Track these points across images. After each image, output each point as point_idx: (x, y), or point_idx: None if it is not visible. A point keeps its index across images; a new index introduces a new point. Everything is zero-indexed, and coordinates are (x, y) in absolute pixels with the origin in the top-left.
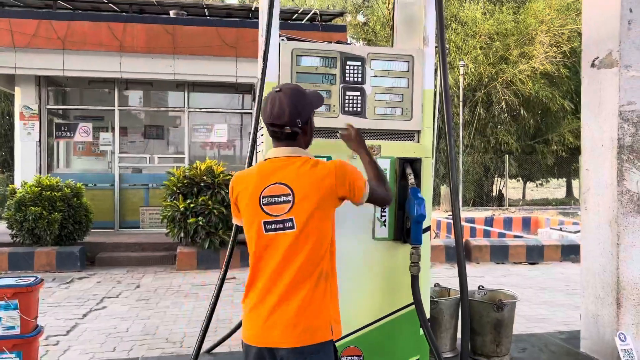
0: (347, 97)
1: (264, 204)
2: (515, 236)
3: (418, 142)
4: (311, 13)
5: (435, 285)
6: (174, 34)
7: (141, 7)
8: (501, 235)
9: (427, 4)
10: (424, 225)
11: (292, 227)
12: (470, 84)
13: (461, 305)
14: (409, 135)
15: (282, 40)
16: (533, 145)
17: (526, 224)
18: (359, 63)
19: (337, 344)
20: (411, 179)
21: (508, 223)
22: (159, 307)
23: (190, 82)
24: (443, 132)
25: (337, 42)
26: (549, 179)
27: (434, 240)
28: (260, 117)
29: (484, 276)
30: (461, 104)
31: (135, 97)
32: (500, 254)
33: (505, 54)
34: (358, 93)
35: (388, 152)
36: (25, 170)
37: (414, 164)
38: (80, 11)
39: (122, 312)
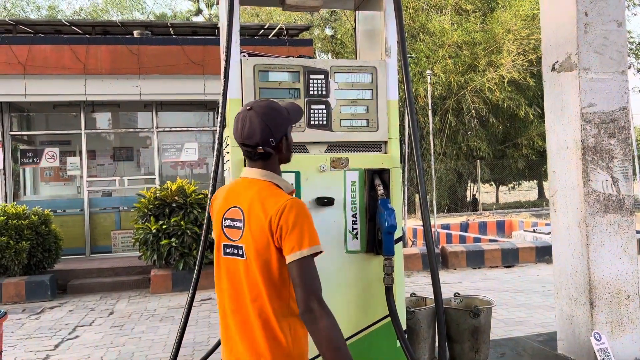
0: (312, 111)
1: (224, 226)
2: (491, 240)
3: (385, 152)
4: (277, 28)
5: (411, 295)
6: (138, 54)
7: (104, 29)
8: (477, 240)
9: (387, 16)
10: (396, 235)
11: (242, 256)
12: (441, 93)
13: (436, 314)
14: (376, 146)
15: (244, 56)
16: (503, 149)
17: (501, 227)
18: (322, 76)
19: None
20: (380, 190)
21: (483, 227)
22: (134, 332)
23: (158, 101)
24: (410, 141)
25: (300, 57)
26: (520, 182)
27: (411, 249)
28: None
29: (461, 282)
30: (430, 112)
31: (102, 119)
32: (476, 259)
33: (473, 63)
34: (323, 106)
35: (356, 164)
36: None
37: (383, 174)
38: (41, 35)
39: (96, 340)
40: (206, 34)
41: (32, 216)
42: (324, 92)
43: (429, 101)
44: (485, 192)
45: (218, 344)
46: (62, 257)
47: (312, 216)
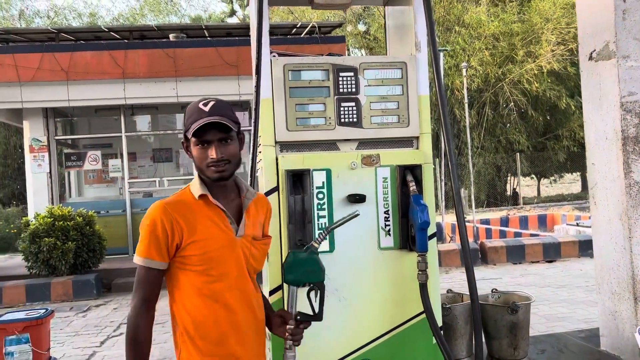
0: (342, 108)
1: None
2: (532, 235)
3: (417, 148)
4: (309, 26)
5: (448, 291)
6: (175, 57)
7: (142, 33)
8: (517, 234)
9: (416, 11)
10: (430, 232)
11: None
12: (478, 86)
13: (472, 310)
14: (407, 142)
15: (274, 56)
16: (544, 142)
17: (542, 221)
18: (351, 73)
19: (349, 358)
20: (412, 186)
21: (524, 222)
22: None
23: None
24: (443, 136)
25: (329, 54)
26: (562, 174)
27: (449, 244)
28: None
29: (501, 278)
30: (466, 105)
31: (141, 121)
32: (516, 254)
33: (511, 54)
34: (353, 103)
35: (387, 161)
36: (38, 201)
37: (415, 170)
38: (82, 42)
39: None
40: (240, 34)
41: (77, 217)
42: (353, 89)
43: (465, 94)
44: (526, 186)
45: None
46: (106, 257)
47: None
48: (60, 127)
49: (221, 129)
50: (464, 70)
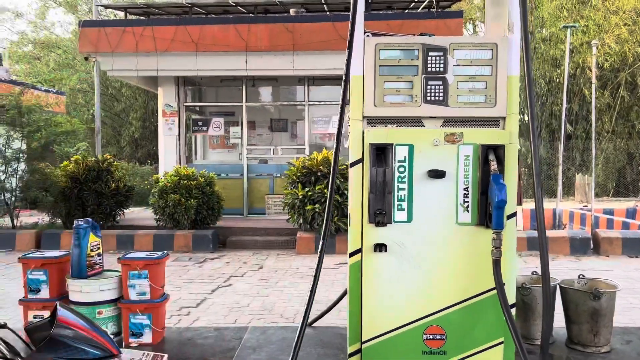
0: (429, 87)
1: None
2: None
3: (503, 128)
4: (426, 1)
5: (532, 273)
6: (293, 31)
7: (265, 8)
8: None
9: None
10: (509, 211)
11: None
12: (612, 65)
13: (543, 292)
14: (493, 121)
15: (367, 36)
16: None
17: None
18: (440, 53)
19: (419, 323)
20: (493, 165)
21: None
22: (277, 286)
23: (310, 76)
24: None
25: (421, 34)
26: None
27: (558, 231)
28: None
29: (612, 270)
30: (593, 86)
31: (261, 92)
32: (634, 247)
33: None
34: (440, 82)
35: (471, 139)
36: (168, 162)
37: (497, 150)
38: (213, 15)
39: (245, 290)
40: None
41: (200, 178)
42: (441, 69)
43: (593, 74)
44: None
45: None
46: (223, 216)
47: (424, 188)
48: (190, 95)
49: None
50: (594, 48)
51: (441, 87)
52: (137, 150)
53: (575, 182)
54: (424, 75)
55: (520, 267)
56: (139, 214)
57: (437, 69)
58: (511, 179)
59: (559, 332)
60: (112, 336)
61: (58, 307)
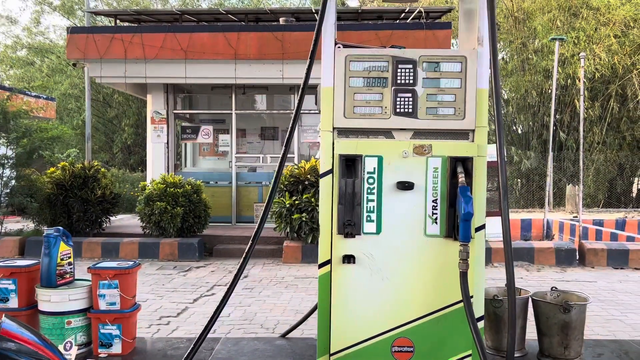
0: (398, 99)
1: None
2: None
3: (472, 141)
4: (416, 11)
5: (506, 285)
6: (282, 40)
7: (256, 16)
8: (630, 238)
9: (480, 5)
10: (477, 224)
11: None
12: (603, 76)
13: (508, 303)
14: (462, 134)
15: (338, 47)
16: None
17: None
18: (410, 66)
19: (388, 335)
20: (461, 178)
21: None
22: (260, 295)
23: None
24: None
25: (392, 47)
26: None
27: (543, 242)
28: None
29: (596, 281)
30: (582, 97)
31: (251, 100)
32: (619, 259)
33: None
34: (410, 95)
35: (440, 152)
36: (156, 169)
37: (466, 162)
38: (204, 23)
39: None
40: (348, 19)
41: (186, 186)
42: (411, 81)
43: (582, 85)
44: None
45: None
46: (211, 224)
47: (393, 199)
48: (179, 102)
49: None
50: (582, 60)
51: (411, 99)
52: (130, 157)
53: (565, 192)
54: (393, 87)
55: (499, 278)
56: (128, 222)
57: (407, 81)
58: (480, 192)
59: (532, 345)
60: (81, 346)
61: (3, 318)
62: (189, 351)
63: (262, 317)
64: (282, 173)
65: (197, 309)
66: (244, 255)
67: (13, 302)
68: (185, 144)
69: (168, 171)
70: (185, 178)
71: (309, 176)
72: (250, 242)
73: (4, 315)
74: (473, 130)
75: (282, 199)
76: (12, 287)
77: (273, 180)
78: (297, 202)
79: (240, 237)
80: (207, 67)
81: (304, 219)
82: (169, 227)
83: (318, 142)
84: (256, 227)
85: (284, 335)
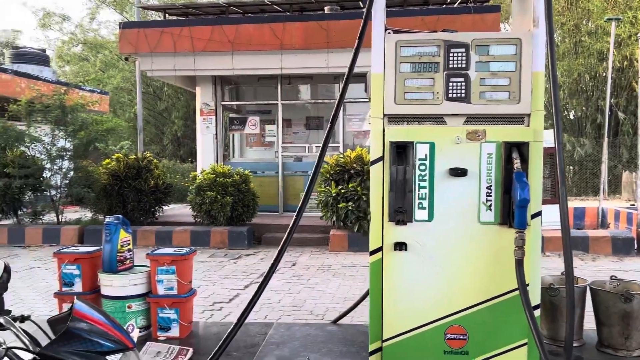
0: (450, 84)
1: None
2: None
3: (527, 125)
4: None
5: (562, 273)
6: (327, 29)
7: (301, 6)
8: None
9: None
10: (534, 210)
11: None
12: None
13: (566, 292)
14: (517, 119)
15: (388, 33)
16: None
17: None
18: (462, 50)
19: (441, 322)
20: (517, 163)
21: None
22: (309, 283)
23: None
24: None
25: (443, 31)
26: None
27: (599, 231)
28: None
29: None
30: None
31: (297, 90)
32: None
33: None
34: (462, 79)
35: (494, 137)
36: (205, 160)
37: (521, 147)
38: (250, 14)
39: (277, 286)
40: (394, 4)
41: (235, 176)
42: (463, 65)
43: (639, 67)
44: None
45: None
46: (259, 213)
47: (445, 186)
48: (227, 93)
49: None
50: None
51: (463, 83)
52: (179, 149)
53: (622, 179)
54: (445, 72)
55: (552, 267)
56: (179, 211)
57: (459, 66)
58: (536, 178)
59: (590, 335)
60: (142, 329)
61: (75, 300)
62: (230, 329)
63: (311, 304)
64: (328, 162)
65: (248, 295)
66: (281, 244)
67: (78, 287)
68: (233, 135)
69: (217, 161)
70: (234, 168)
71: (354, 165)
72: (287, 232)
73: (75, 297)
74: (529, 115)
75: (328, 188)
76: (77, 272)
77: (313, 170)
78: (342, 191)
79: (287, 226)
80: (254, 58)
81: (350, 207)
82: (219, 216)
83: (363, 131)
84: (294, 217)
85: (335, 322)
